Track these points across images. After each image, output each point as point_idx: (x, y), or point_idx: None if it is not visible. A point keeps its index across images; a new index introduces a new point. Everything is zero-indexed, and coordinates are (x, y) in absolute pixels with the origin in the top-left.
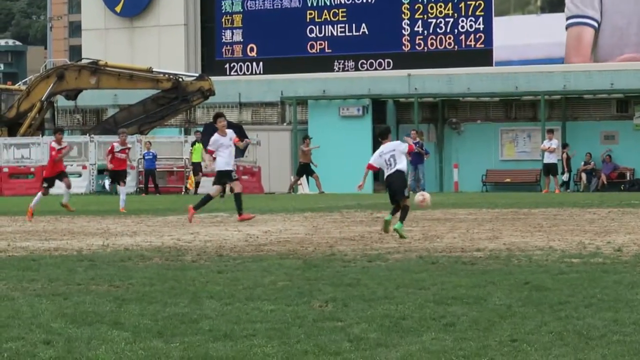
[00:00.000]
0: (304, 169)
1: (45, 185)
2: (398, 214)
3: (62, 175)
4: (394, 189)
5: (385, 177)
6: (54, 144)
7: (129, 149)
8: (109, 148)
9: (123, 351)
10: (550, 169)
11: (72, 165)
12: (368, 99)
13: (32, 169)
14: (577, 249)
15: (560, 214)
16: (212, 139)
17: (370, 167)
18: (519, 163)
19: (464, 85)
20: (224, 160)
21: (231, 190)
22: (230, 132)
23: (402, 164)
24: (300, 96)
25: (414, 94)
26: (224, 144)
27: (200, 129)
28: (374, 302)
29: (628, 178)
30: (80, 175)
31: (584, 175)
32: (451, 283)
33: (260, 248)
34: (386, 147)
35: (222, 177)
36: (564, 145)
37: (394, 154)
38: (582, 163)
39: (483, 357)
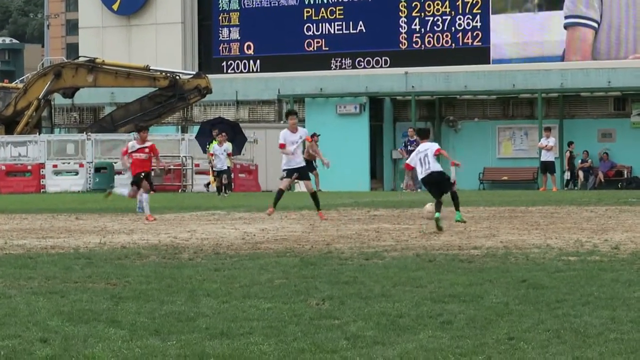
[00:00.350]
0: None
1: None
2: (443, 208)
3: (146, 176)
4: (441, 187)
5: (421, 177)
6: (130, 144)
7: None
8: (124, 149)
9: (120, 349)
10: (547, 167)
11: (69, 163)
12: (365, 97)
13: (29, 167)
14: (574, 246)
15: (557, 211)
16: (282, 133)
17: (407, 166)
18: (516, 161)
19: (461, 83)
20: (289, 158)
21: (229, 187)
22: (301, 130)
23: (435, 163)
24: (297, 94)
25: (411, 92)
26: (291, 140)
27: (217, 128)
28: (371, 300)
29: (625, 176)
30: (77, 173)
31: (581, 173)
32: (448, 281)
33: (257, 246)
34: (422, 146)
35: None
36: (569, 143)
37: (427, 153)
38: (580, 161)
39: (480, 355)
